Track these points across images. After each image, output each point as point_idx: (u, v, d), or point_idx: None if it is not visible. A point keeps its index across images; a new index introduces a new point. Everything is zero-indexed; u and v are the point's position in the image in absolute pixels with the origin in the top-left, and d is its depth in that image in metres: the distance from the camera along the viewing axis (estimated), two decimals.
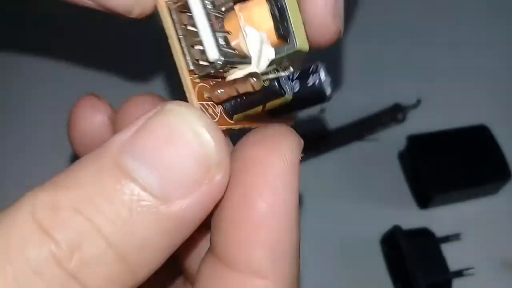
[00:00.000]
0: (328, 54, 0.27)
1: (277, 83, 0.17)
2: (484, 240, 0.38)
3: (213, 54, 0.16)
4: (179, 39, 0.16)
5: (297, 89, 0.17)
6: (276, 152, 0.16)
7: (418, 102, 0.42)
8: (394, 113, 0.42)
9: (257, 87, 0.16)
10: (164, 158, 0.14)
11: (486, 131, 0.40)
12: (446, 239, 0.38)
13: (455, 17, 0.47)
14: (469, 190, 0.39)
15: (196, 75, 0.17)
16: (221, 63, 0.16)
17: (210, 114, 0.17)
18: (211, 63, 0.16)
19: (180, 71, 0.17)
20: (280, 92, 0.17)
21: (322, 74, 0.16)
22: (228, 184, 0.15)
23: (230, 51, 0.16)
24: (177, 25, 0.16)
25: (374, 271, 0.38)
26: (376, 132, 0.42)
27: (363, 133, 0.41)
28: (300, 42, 0.18)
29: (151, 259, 0.14)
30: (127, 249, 0.14)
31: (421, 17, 0.46)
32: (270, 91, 0.17)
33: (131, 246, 0.14)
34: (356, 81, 0.44)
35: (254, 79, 0.16)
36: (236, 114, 0.18)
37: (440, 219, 0.39)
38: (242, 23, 0.17)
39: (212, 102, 0.17)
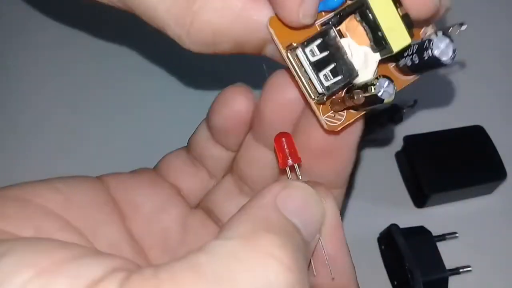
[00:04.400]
0: None
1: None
2: (479, 239, 0.39)
3: (319, 89, 0.21)
4: (300, 77, 0.21)
5: (416, 61, 0.21)
6: None
7: (415, 102, 0.43)
8: (391, 114, 0.42)
9: (360, 101, 0.21)
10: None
11: (481, 131, 0.41)
12: (443, 237, 0.38)
13: (452, 17, 0.47)
14: (465, 189, 0.40)
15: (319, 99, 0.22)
16: (326, 93, 0.21)
17: (337, 118, 0.22)
18: (320, 94, 0.21)
19: (308, 99, 0.22)
20: (381, 100, 0.20)
21: (436, 50, 0.20)
22: None
23: (332, 82, 0.21)
24: (297, 67, 0.21)
25: (371, 269, 0.38)
26: (374, 132, 0.42)
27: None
28: (396, 43, 0.20)
29: None
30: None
31: None
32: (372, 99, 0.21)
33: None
34: None
35: (359, 95, 0.21)
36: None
37: (436, 218, 0.40)
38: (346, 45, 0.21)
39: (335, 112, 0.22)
